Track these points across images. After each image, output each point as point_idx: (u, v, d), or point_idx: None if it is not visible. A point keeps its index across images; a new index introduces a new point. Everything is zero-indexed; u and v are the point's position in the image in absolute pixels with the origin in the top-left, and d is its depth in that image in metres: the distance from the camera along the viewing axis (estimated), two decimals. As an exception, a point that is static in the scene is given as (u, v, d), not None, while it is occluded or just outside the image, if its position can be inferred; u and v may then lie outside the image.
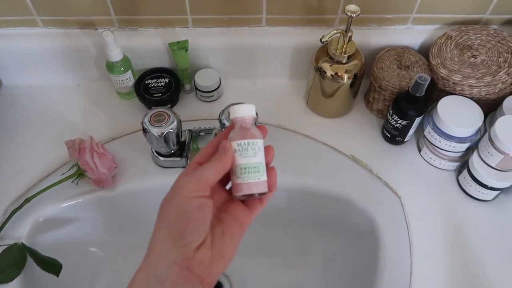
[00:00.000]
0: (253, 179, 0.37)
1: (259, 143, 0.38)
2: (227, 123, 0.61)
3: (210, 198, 0.35)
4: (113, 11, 0.69)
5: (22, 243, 0.59)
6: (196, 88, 0.74)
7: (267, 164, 0.39)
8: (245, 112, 0.39)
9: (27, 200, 0.61)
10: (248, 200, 0.39)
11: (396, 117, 0.65)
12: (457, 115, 0.62)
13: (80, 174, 0.63)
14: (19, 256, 0.58)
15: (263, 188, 0.38)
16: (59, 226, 0.66)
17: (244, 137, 0.38)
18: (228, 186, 0.40)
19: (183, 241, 0.34)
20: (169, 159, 0.66)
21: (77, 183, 0.64)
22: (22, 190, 0.65)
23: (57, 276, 0.57)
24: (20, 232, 0.61)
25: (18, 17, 0.69)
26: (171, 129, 0.60)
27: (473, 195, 0.64)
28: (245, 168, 0.37)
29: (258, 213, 0.40)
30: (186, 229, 0.34)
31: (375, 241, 0.62)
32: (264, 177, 0.38)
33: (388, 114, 0.67)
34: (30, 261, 0.58)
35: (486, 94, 0.64)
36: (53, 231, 0.65)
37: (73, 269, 0.63)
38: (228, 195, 0.40)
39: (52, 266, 0.58)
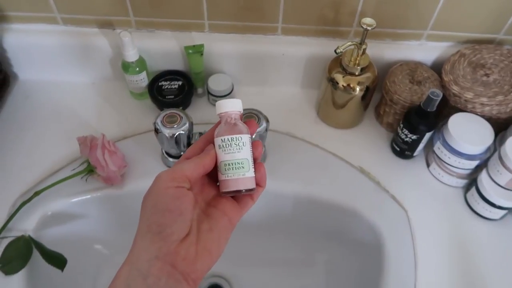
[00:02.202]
0: (237, 175, 0.37)
1: (244, 138, 0.37)
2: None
3: (189, 190, 0.35)
4: (131, 12, 0.70)
5: (29, 235, 0.59)
6: (209, 92, 0.75)
7: (255, 160, 0.38)
8: (230, 107, 0.38)
9: (37, 194, 0.62)
10: (238, 196, 0.39)
11: (407, 131, 0.65)
12: (467, 132, 0.62)
13: (90, 170, 0.64)
14: (25, 249, 0.58)
15: (250, 184, 0.37)
16: (66, 221, 0.66)
17: (228, 133, 0.37)
18: None
19: (162, 233, 0.33)
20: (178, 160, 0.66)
21: (86, 180, 0.65)
22: (32, 183, 0.65)
23: (62, 270, 0.58)
24: (28, 224, 0.62)
25: (39, 13, 0.71)
26: (182, 130, 0.61)
27: (480, 213, 0.64)
28: (229, 164, 0.37)
29: (248, 209, 0.39)
30: (163, 220, 0.33)
31: (380, 254, 0.62)
32: (250, 173, 0.37)
33: (399, 127, 0.67)
34: (35, 254, 0.59)
35: (497, 113, 0.64)
36: (60, 226, 0.65)
37: (77, 265, 0.63)
38: (218, 191, 0.39)
39: (57, 260, 0.58)
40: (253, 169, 0.38)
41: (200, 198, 0.38)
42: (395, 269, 0.60)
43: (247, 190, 0.37)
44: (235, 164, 0.37)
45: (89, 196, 0.65)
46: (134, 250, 0.34)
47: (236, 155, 0.37)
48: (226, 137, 0.37)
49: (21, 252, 0.58)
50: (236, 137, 0.37)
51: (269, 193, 0.68)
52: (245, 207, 0.39)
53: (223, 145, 0.37)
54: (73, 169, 0.65)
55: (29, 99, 0.77)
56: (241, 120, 0.39)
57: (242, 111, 0.39)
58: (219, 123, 0.39)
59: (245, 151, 0.37)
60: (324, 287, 0.72)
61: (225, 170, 0.37)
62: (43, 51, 0.74)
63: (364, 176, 0.69)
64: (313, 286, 0.73)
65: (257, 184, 0.38)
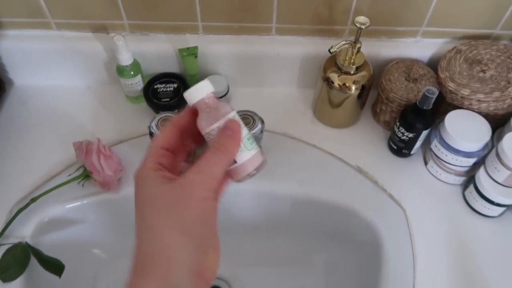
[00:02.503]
0: (255, 149, 0.36)
1: (235, 114, 0.36)
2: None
3: (216, 201, 0.33)
4: (125, 16, 0.70)
5: (26, 242, 0.59)
6: (204, 94, 0.74)
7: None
8: (202, 92, 0.35)
9: (33, 200, 0.62)
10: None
11: (403, 129, 0.65)
12: (464, 129, 0.61)
13: (86, 175, 0.64)
14: (22, 256, 0.58)
15: (260, 158, 0.37)
16: (63, 227, 0.66)
17: (215, 119, 0.34)
18: None
19: (201, 244, 0.31)
20: (175, 163, 0.66)
21: (83, 185, 0.65)
22: (28, 189, 0.65)
23: (59, 276, 0.58)
24: (25, 231, 0.61)
25: (33, 19, 0.71)
26: (177, 134, 0.60)
27: (479, 210, 0.64)
28: (249, 138, 0.36)
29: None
30: (204, 231, 0.31)
31: (378, 253, 0.62)
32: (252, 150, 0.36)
33: (395, 126, 0.66)
34: (33, 260, 0.59)
35: (494, 109, 0.64)
36: (57, 232, 0.65)
37: (75, 270, 0.63)
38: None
39: (54, 267, 0.58)
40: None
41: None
42: (394, 268, 0.60)
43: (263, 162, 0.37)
44: (252, 138, 0.36)
45: (86, 201, 0.65)
46: (163, 262, 0.31)
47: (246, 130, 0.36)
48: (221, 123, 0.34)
49: (19, 259, 0.58)
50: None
51: (267, 194, 0.69)
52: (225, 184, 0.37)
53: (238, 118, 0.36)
54: (70, 175, 0.65)
55: (25, 105, 0.77)
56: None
57: (213, 89, 0.36)
58: (189, 112, 0.36)
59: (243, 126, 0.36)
60: (323, 287, 0.72)
61: (250, 143, 0.36)
62: (38, 56, 0.74)
63: (362, 176, 0.68)
64: (312, 286, 0.73)
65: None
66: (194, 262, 0.31)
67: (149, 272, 0.31)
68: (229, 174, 0.36)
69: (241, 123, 0.36)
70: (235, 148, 0.34)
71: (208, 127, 0.35)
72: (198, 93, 0.35)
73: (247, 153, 0.35)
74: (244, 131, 0.36)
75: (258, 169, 0.36)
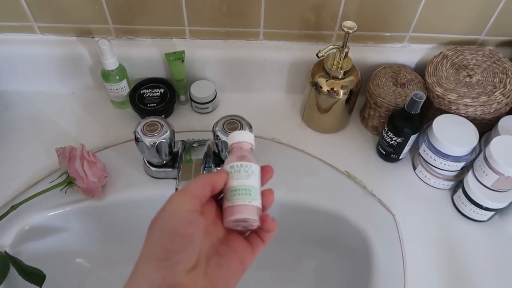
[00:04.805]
0: (243, 201, 0.35)
1: (254, 167, 0.37)
2: (220, 135, 0.60)
3: (201, 215, 0.33)
4: (110, 20, 0.69)
5: (5, 251, 0.57)
6: (192, 99, 0.74)
7: (264, 208, 0.36)
8: (242, 138, 0.39)
9: (13, 208, 0.60)
10: (249, 238, 0.37)
11: (391, 134, 0.64)
12: (452, 134, 0.61)
13: (69, 182, 0.62)
14: (1, 266, 0.56)
15: (255, 215, 0.35)
16: (45, 235, 0.64)
17: (238, 160, 0.37)
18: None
19: (169, 261, 0.30)
20: (161, 169, 0.65)
21: (65, 192, 0.63)
22: (8, 197, 0.63)
23: (40, 286, 0.56)
24: (4, 240, 0.59)
25: (15, 23, 0.69)
26: (163, 139, 0.59)
27: (468, 215, 0.63)
28: (236, 190, 0.35)
29: (259, 252, 0.37)
30: (172, 245, 0.30)
31: (368, 259, 0.61)
32: (256, 202, 0.35)
33: (383, 131, 0.66)
34: (13, 270, 0.56)
35: (481, 114, 0.64)
36: (39, 240, 0.63)
37: (58, 280, 0.61)
38: (229, 229, 0.37)
39: (35, 277, 0.56)
40: (260, 201, 0.36)
41: (212, 230, 0.35)
42: (384, 273, 0.59)
43: (252, 221, 0.35)
44: (242, 190, 0.35)
45: (68, 209, 0.63)
46: (134, 278, 0.31)
47: (244, 181, 0.36)
48: (235, 163, 0.37)
49: (-3, 269, 0.56)
50: (245, 164, 0.37)
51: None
52: (256, 249, 0.36)
53: (232, 171, 0.36)
54: (52, 181, 0.63)
55: (8, 110, 0.75)
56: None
57: (253, 144, 0.39)
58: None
59: (254, 179, 0.37)
60: (313, 295, 0.71)
61: (231, 195, 0.35)
62: (21, 61, 0.73)
63: (351, 181, 0.68)
64: (301, 294, 0.72)
65: (264, 221, 0.35)
66: (162, 279, 0.30)
67: (126, 284, 0.31)
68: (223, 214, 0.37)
69: (243, 174, 0.36)
70: (214, 177, 0.35)
71: (227, 164, 0.37)
72: (240, 136, 0.39)
73: (227, 203, 0.36)
74: (234, 182, 0.36)
75: (240, 221, 0.36)
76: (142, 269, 0.31)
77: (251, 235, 0.37)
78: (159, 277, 0.30)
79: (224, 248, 0.35)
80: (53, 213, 0.63)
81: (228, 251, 0.35)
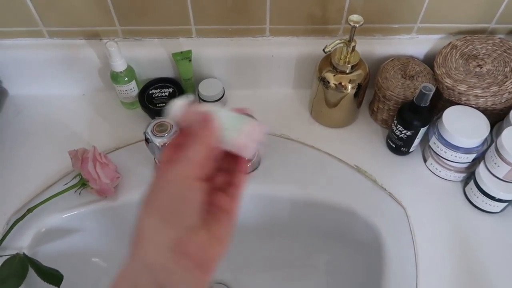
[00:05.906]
0: (245, 125, 0.35)
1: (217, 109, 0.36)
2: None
3: (203, 181, 0.33)
4: (117, 22, 0.69)
5: (23, 253, 0.59)
6: (200, 98, 0.74)
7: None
8: (181, 107, 0.37)
9: (30, 210, 0.61)
10: (228, 190, 0.37)
11: (401, 127, 0.64)
12: (463, 125, 0.61)
13: (82, 184, 0.63)
14: (20, 267, 0.57)
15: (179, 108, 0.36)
16: (61, 237, 0.65)
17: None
18: None
19: (177, 222, 0.32)
20: (172, 169, 0.65)
21: (79, 193, 0.64)
22: (24, 200, 0.65)
23: (58, 287, 0.57)
24: (22, 242, 0.61)
25: (24, 28, 0.70)
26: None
27: (480, 206, 0.63)
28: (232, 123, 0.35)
29: (238, 196, 0.38)
30: (179, 209, 0.32)
31: (380, 253, 0.61)
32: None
33: (393, 124, 0.66)
34: (31, 272, 0.58)
35: (492, 104, 0.63)
36: (55, 242, 0.65)
37: (75, 280, 0.62)
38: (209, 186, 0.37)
39: (53, 277, 0.57)
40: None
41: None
42: (396, 267, 0.59)
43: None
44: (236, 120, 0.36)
45: (83, 210, 0.64)
46: (140, 244, 0.32)
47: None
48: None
49: (17, 271, 0.57)
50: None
51: (266, 196, 0.68)
52: (233, 195, 0.37)
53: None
54: (66, 184, 0.64)
55: (20, 115, 0.76)
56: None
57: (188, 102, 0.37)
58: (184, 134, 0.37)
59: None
60: (325, 289, 0.72)
61: (236, 125, 0.35)
62: (31, 65, 0.74)
63: (361, 175, 0.68)
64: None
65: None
66: (171, 240, 0.31)
67: (130, 255, 0.32)
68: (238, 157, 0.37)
69: (223, 112, 0.36)
70: (209, 132, 0.35)
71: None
72: (178, 108, 0.37)
73: (235, 133, 0.35)
74: (223, 115, 0.35)
75: (256, 139, 0.35)
76: (149, 233, 0.32)
77: (227, 190, 0.37)
78: (168, 237, 0.31)
79: (211, 208, 0.36)
80: (68, 214, 0.64)
81: (212, 208, 0.36)
